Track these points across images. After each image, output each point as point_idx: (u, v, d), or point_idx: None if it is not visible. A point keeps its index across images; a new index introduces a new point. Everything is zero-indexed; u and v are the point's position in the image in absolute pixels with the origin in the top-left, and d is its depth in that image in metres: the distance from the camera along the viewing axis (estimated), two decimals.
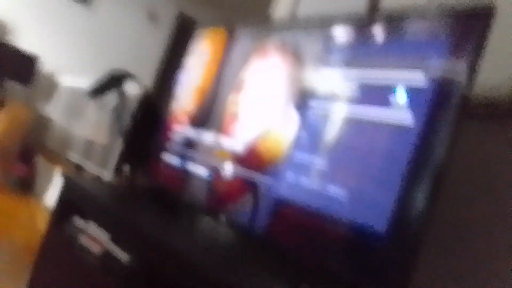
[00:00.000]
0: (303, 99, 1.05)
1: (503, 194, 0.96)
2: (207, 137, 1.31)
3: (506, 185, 0.96)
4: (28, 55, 3.53)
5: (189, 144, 1.37)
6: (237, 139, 1.19)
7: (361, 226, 0.83)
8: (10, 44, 3.58)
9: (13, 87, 3.41)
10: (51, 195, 2.59)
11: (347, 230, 0.86)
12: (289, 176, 1.01)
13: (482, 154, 1.02)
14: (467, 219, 1.00)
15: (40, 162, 3.03)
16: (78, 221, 1.36)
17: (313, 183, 0.95)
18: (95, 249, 1.22)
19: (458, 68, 0.79)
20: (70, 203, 1.41)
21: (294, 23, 1.34)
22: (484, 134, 1.03)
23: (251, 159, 1.12)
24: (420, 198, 0.77)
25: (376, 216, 0.81)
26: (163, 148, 1.48)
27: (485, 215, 0.98)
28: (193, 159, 1.32)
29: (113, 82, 2.00)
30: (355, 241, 0.85)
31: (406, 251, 0.77)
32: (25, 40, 3.68)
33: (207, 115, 1.36)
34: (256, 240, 1.08)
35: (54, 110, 3.37)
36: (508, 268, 0.91)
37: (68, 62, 3.84)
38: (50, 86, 3.60)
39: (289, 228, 0.99)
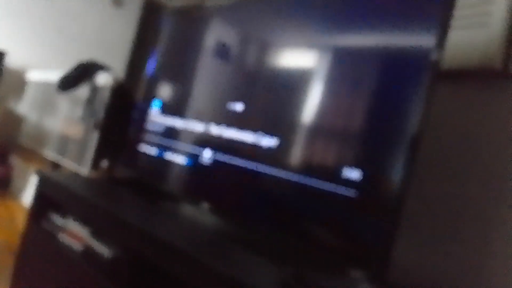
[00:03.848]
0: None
1: (480, 158, 0.97)
2: (184, 124, 1.28)
3: (481, 143, 0.97)
4: None
5: (166, 132, 1.35)
6: (213, 124, 1.17)
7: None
8: None
9: None
10: (29, 193, 2.53)
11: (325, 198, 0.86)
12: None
13: (456, 116, 1.03)
14: (445, 185, 1.01)
15: (15, 160, 2.95)
16: (56, 218, 1.33)
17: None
18: (76, 245, 1.19)
19: (428, 33, 0.79)
20: (46, 200, 1.38)
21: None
22: (457, 96, 1.03)
23: (231, 144, 1.11)
24: (396, 161, 0.77)
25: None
26: (139, 138, 1.45)
27: (460, 176, 0.99)
28: (171, 148, 1.30)
29: (83, 73, 1.95)
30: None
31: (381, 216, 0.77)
32: None
33: (181, 101, 1.33)
34: (238, 224, 1.08)
35: (25, 107, 3.27)
36: (484, 227, 0.92)
37: (35, 56, 3.72)
38: (19, 82, 3.49)
39: (274, 211, 0.98)
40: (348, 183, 0.83)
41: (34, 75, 3.22)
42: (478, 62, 1.00)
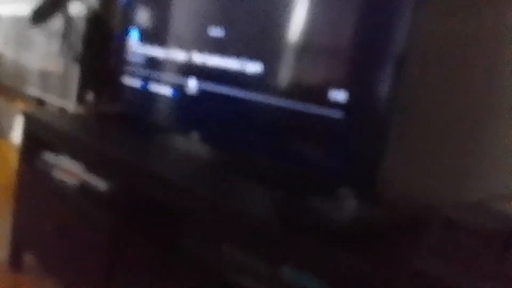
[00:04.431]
0: None
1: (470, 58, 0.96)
2: (165, 53, 1.24)
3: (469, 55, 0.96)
4: None
5: (148, 63, 1.31)
6: (195, 52, 1.14)
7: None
8: None
9: None
10: (17, 132, 2.51)
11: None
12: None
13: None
14: (433, 95, 1.01)
15: None
16: (48, 156, 1.33)
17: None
18: (71, 180, 1.21)
19: None
20: (36, 139, 1.37)
21: None
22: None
23: (216, 72, 1.08)
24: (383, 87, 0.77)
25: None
26: (121, 70, 1.41)
27: (451, 85, 0.99)
28: (154, 79, 1.27)
29: (55, 3, 1.85)
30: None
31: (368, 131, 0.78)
32: None
33: (160, 29, 1.28)
34: (229, 152, 1.09)
35: (0, 44, 3.14)
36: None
37: None
38: None
39: (261, 133, 0.99)
40: (335, 105, 0.83)
41: (5, 9, 3.05)
42: None
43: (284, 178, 0.91)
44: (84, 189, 1.16)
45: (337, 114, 0.83)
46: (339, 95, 0.82)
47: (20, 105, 2.49)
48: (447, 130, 0.97)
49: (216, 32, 1.07)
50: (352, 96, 0.81)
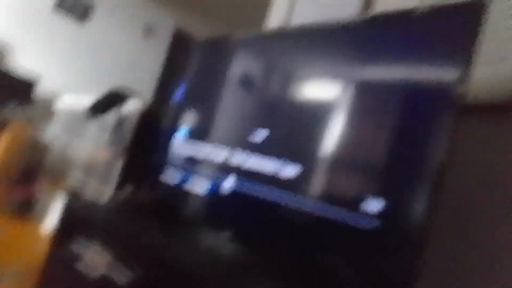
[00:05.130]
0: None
1: (505, 193, 0.95)
2: (208, 151, 1.29)
3: (508, 183, 0.95)
4: (28, 76, 3.54)
5: (190, 159, 1.36)
6: (236, 151, 1.18)
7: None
8: (9, 66, 3.59)
9: (13, 108, 3.42)
10: (52, 217, 2.56)
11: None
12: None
13: (482, 152, 1.01)
14: (469, 220, 0.98)
15: (41, 184, 3.01)
16: (81, 241, 1.34)
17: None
18: (98, 269, 1.20)
19: (452, 67, 0.79)
20: (71, 224, 1.39)
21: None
22: (483, 132, 1.02)
23: (253, 173, 1.11)
24: (420, 200, 0.76)
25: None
26: (163, 164, 1.47)
27: (487, 214, 0.96)
28: (193, 174, 1.31)
29: (113, 100, 2.00)
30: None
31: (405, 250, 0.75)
32: (24, 60, 3.70)
33: (206, 129, 1.35)
34: (261, 253, 1.06)
35: (54, 131, 3.37)
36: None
37: (66, 81, 3.86)
38: (50, 107, 3.61)
39: (294, 238, 0.97)
40: (370, 214, 0.82)
41: (64, 101, 3.32)
42: (502, 96, 0.99)
43: (313, 286, 0.87)
44: (110, 279, 1.14)
45: (371, 223, 0.81)
46: (374, 205, 0.81)
47: (60, 191, 2.57)
48: (484, 252, 0.93)
49: (259, 133, 1.12)
50: (388, 206, 0.80)
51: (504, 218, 0.93)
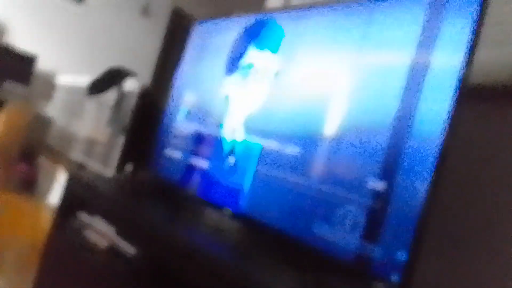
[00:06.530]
0: None
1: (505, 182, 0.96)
2: (208, 129, 1.31)
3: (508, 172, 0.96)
4: (26, 55, 3.53)
5: (191, 139, 1.38)
6: (238, 129, 1.20)
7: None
8: (7, 45, 3.57)
9: (12, 87, 3.41)
10: (54, 194, 2.60)
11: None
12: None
13: (484, 137, 1.02)
14: (469, 207, 1.00)
15: (42, 161, 3.03)
16: (83, 216, 1.37)
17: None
18: (101, 243, 1.23)
19: (456, 51, 0.80)
20: (74, 199, 1.42)
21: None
22: (486, 117, 1.02)
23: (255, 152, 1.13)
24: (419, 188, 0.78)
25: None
26: (164, 144, 1.49)
27: (492, 192, 0.98)
28: (195, 152, 1.33)
29: (112, 79, 2.01)
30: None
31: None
32: (21, 40, 3.68)
33: (206, 109, 1.36)
34: (262, 232, 1.09)
35: (53, 109, 3.37)
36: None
37: (65, 60, 3.84)
38: (49, 86, 3.60)
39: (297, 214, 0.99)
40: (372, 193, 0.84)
41: (63, 80, 3.32)
42: (507, 79, 0.99)
43: (313, 262, 0.90)
44: (113, 253, 1.17)
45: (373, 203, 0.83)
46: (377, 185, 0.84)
47: (61, 168, 2.60)
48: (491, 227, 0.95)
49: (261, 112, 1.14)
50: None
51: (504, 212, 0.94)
